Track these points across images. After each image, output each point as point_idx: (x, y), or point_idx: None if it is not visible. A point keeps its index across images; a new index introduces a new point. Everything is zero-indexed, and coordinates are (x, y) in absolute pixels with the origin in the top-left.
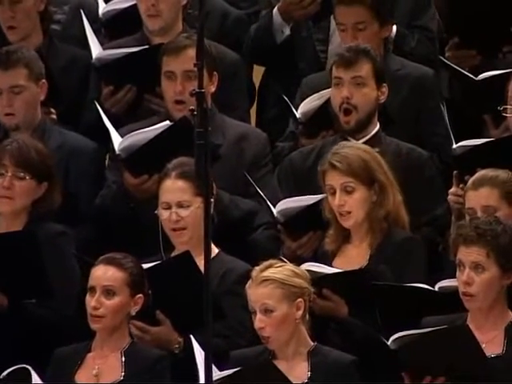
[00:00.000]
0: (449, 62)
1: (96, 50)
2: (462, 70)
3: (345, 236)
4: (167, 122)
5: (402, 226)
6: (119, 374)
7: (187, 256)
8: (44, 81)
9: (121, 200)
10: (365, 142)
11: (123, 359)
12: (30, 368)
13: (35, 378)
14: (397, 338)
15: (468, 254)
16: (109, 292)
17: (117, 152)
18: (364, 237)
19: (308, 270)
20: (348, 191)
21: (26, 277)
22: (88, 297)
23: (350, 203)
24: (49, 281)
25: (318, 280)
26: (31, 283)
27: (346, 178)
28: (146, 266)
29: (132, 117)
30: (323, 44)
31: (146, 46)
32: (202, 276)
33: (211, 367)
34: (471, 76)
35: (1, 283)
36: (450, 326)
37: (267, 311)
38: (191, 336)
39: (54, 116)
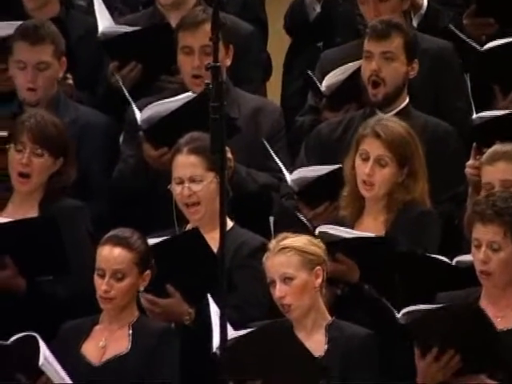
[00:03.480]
0: (456, 31)
1: (104, 23)
2: (468, 40)
3: (360, 203)
4: (189, 94)
5: None
6: (126, 347)
7: (196, 231)
8: (64, 58)
9: (140, 173)
10: (393, 115)
11: (130, 332)
12: (37, 336)
13: (42, 346)
14: (406, 313)
15: (485, 233)
16: (118, 275)
17: (138, 123)
18: (380, 211)
19: (323, 233)
20: (381, 164)
21: (45, 257)
22: (97, 278)
23: (377, 176)
24: (66, 257)
25: (331, 244)
26: (50, 262)
27: (384, 151)
28: (155, 240)
29: (141, 94)
30: (362, 17)
31: (154, 24)
32: (211, 250)
33: (226, 331)
34: (476, 46)
35: (20, 266)
36: (460, 303)
37: (287, 280)
38: (208, 296)
39: (71, 81)
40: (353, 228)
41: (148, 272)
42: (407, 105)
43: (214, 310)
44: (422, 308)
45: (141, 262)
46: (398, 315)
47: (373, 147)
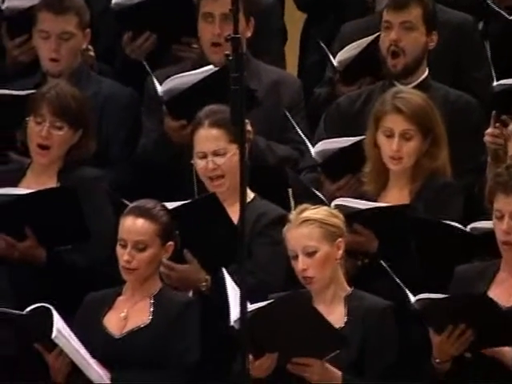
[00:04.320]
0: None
1: None
2: (496, 8)
3: (384, 177)
4: (211, 67)
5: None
6: (147, 318)
7: (213, 196)
8: (89, 30)
9: (162, 147)
10: (413, 88)
11: (152, 303)
12: (51, 307)
13: (56, 318)
14: (420, 299)
15: (507, 204)
16: (140, 246)
17: (159, 94)
18: (405, 182)
19: (339, 205)
20: (406, 138)
21: (64, 227)
22: (119, 248)
23: (405, 150)
24: (86, 225)
25: (348, 216)
26: (69, 231)
27: (408, 125)
28: (172, 205)
29: (157, 65)
30: None
31: None
32: (228, 216)
33: (246, 302)
34: (505, 14)
35: (40, 236)
36: (470, 293)
37: (310, 252)
38: (223, 269)
39: (92, 53)
40: (376, 201)
41: (171, 243)
42: (427, 77)
43: (230, 283)
44: (435, 297)
45: (163, 233)
46: (412, 300)
47: (396, 123)
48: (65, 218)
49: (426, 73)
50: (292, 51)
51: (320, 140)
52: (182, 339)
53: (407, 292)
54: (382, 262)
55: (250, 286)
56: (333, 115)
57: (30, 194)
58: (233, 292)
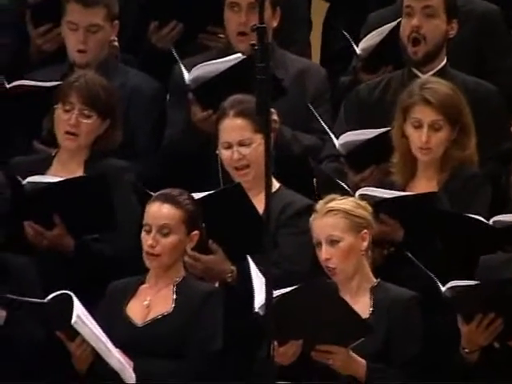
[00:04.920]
0: None
1: None
2: None
3: (412, 168)
4: (239, 55)
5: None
6: (170, 306)
7: (238, 186)
8: (117, 22)
9: (189, 136)
10: (432, 75)
11: (175, 291)
12: (72, 294)
13: (76, 304)
14: (451, 287)
15: None
16: (165, 230)
17: (186, 82)
18: (434, 172)
19: (364, 195)
20: (435, 128)
21: (93, 215)
22: (144, 234)
23: (434, 140)
24: (114, 214)
25: (374, 205)
26: (97, 220)
27: (437, 116)
28: (197, 195)
29: (183, 54)
30: None
31: None
32: (254, 207)
33: (272, 290)
34: None
35: (68, 224)
36: (503, 280)
37: (333, 242)
38: (248, 257)
39: (116, 43)
40: (404, 191)
41: (196, 232)
42: (445, 65)
43: (254, 270)
44: (465, 284)
45: (189, 220)
46: (443, 289)
47: (425, 114)
48: (94, 206)
49: (445, 61)
50: (315, 40)
51: (339, 128)
52: (205, 328)
53: (436, 281)
54: (407, 253)
55: (274, 276)
56: (352, 103)
57: (61, 181)
58: (257, 279)
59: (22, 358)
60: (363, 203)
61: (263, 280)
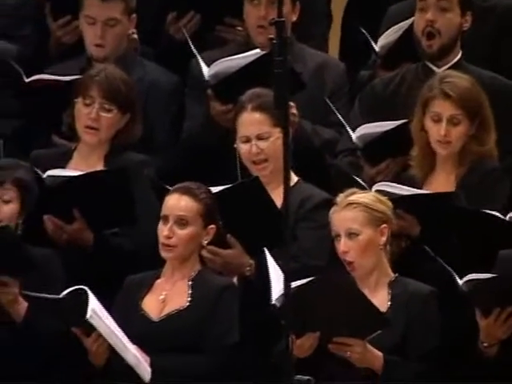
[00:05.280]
0: None
1: None
2: None
3: (431, 161)
4: (258, 51)
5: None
6: (185, 300)
7: (256, 181)
8: (135, 15)
9: (208, 130)
10: (447, 69)
11: (190, 286)
12: (87, 289)
13: (92, 299)
14: (468, 281)
15: None
16: (182, 222)
17: (205, 78)
18: (453, 166)
19: (380, 191)
20: (454, 123)
21: (113, 210)
22: (161, 225)
23: (452, 134)
24: (134, 208)
25: (391, 200)
26: (118, 214)
27: (457, 110)
28: (215, 189)
29: (200, 46)
30: None
31: None
32: (272, 201)
33: (290, 285)
34: None
35: (88, 219)
36: None
37: (352, 235)
38: (265, 249)
39: (135, 36)
40: (423, 185)
41: (212, 226)
42: (460, 58)
43: (271, 263)
44: (483, 277)
45: (206, 214)
46: (460, 282)
47: (444, 108)
48: (114, 200)
49: (460, 54)
50: (334, 34)
51: (354, 121)
52: (221, 322)
53: (454, 275)
54: (426, 247)
55: (293, 270)
56: (367, 97)
57: (81, 175)
58: (274, 272)
59: (41, 354)
60: (383, 198)
61: (280, 272)
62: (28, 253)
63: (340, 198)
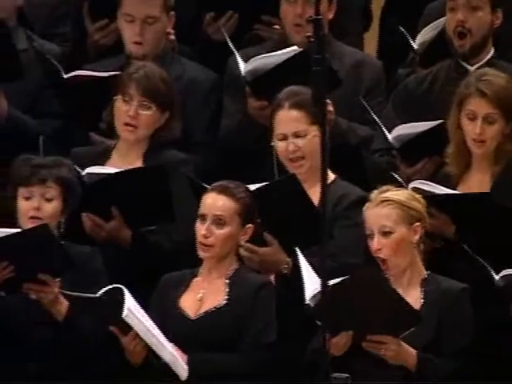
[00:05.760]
0: None
1: None
2: None
3: (466, 159)
4: (295, 48)
5: None
6: (223, 299)
7: (293, 178)
8: (173, 13)
9: (246, 128)
10: (480, 67)
11: (228, 284)
12: (123, 288)
13: (128, 298)
14: (504, 276)
15: None
16: (219, 221)
17: (242, 74)
18: (487, 166)
19: (417, 189)
20: (489, 121)
21: (151, 207)
22: (198, 224)
23: (487, 133)
24: (173, 206)
25: (426, 199)
26: (156, 212)
27: (493, 109)
28: (252, 187)
29: (237, 44)
30: None
31: None
32: (309, 198)
33: (326, 284)
34: None
35: (126, 216)
36: None
37: (386, 233)
38: (296, 249)
39: (173, 36)
40: (458, 183)
41: (250, 226)
42: (493, 56)
43: (303, 263)
44: None
45: (244, 213)
46: (496, 277)
47: (479, 107)
48: (152, 197)
49: (492, 52)
50: (373, 31)
51: (388, 119)
52: (258, 320)
53: (490, 270)
54: (464, 246)
55: (330, 268)
56: (400, 95)
57: (120, 172)
58: (307, 272)
59: (82, 354)
60: (417, 196)
61: (312, 272)
62: (67, 252)
63: (374, 194)
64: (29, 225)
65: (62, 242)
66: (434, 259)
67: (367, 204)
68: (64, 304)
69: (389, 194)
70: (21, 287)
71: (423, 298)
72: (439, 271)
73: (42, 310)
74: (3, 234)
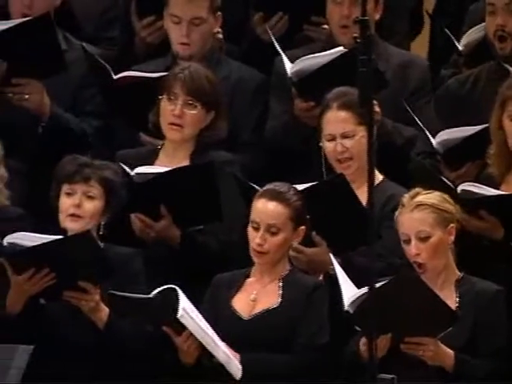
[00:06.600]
0: None
1: None
2: None
3: (508, 160)
4: (341, 49)
5: None
6: (276, 300)
7: (342, 178)
8: (220, 13)
9: (292, 129)
10: None
11: (281, 286)
12: (177, 289)
13: (182, 298)
14: None
15: None
16: (273, 229)
17: (288, 75)
18: None
19: (466, 190)
20: None
21: (199, 206)
22: (251, 231)
23: None
24: (220, 205)
25: (475, 201)
26: (204, 211)
27: None
28: (300, 187)
29: (285, 45)
30: None
31: None
32: (357, 198)
33: (374, 287)
34: None
35: (175, 215)
36: None
37: (423, 238)
38: (331, 255)
39: (220, 35)
40: (500, 184)
41: (302, 228)
42: None
43: (338, 269)
44: None
45: (295, 217)
46: None
47: None
48: (201, 196)
49: None
50: (424, 32)
51: (430, 121)
52: (311, 322)
53: None
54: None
55: (378, 269)
56: (442, 97)
57: (168, 171)
58: (342, 278)
59: (130, 354)
60: (448, 197)
61: (347, 279)
62: (108, 258)
63: (405, 198)
64: (68, 223)
65: (102, 245)
66: (467, 260)
67: (400, 209)
68: (105, 311)
69: (422, 198)
70: (61, 295)
71: (458, 298)
72: (472, 272)
73: (84, 316)
74: (44, 241)
